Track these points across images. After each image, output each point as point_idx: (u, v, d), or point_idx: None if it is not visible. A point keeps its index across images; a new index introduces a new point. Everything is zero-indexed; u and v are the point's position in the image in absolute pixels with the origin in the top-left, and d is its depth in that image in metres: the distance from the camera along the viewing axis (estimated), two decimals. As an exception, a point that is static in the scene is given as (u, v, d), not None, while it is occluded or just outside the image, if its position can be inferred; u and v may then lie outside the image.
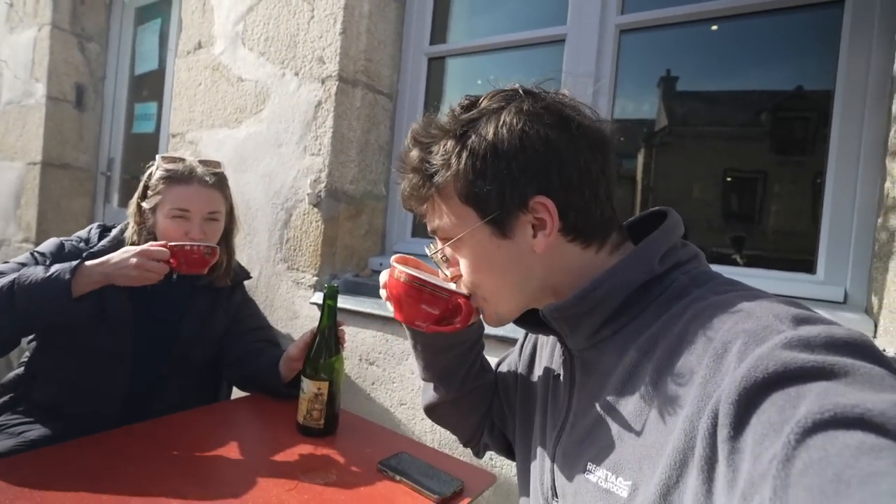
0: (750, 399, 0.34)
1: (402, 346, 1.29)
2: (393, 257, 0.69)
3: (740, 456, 0.34)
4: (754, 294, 0.45)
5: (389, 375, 1.31)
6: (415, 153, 0.56)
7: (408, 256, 0.71)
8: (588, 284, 0.51)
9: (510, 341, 1.11)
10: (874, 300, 0.90)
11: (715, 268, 0.56)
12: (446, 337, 0.69)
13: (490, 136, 0.50)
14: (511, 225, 0.52)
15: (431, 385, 0.77)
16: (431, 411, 0.80)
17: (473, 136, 0.51)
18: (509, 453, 0.79)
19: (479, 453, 0.85)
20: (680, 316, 0.46)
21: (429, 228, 0.59)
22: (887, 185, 0.89)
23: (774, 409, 0.33)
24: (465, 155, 0.51)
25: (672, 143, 1.30)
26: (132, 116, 2.57)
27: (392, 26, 1.56)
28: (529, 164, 0.50)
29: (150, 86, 2.49)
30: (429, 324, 0.61)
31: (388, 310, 1.32)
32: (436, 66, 1.62)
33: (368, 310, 1.33)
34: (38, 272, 0.96)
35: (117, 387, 1.12)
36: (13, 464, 0.84)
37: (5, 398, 1.11)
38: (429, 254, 0.61)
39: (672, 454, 0.40)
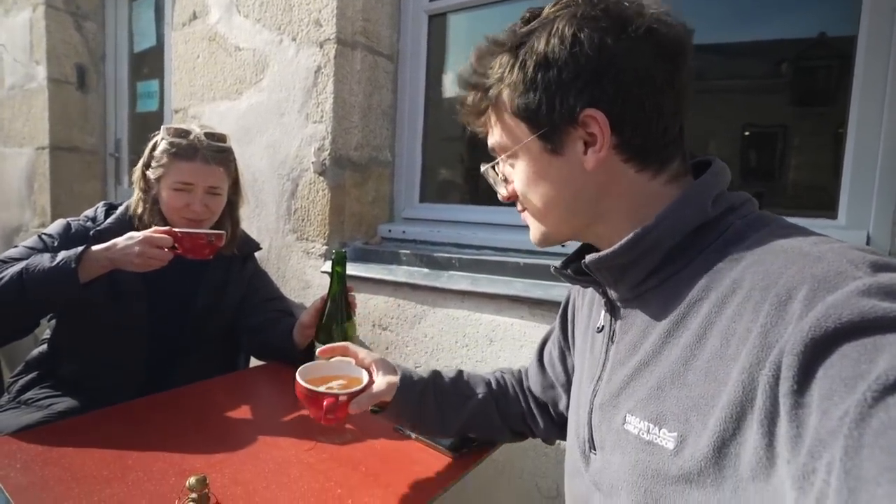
0: (818, 351, 0.32)
1: (414, 310, 1.29)
2: (320, 360, 0.81)
3: (805, 411, 0.31)
4: (823, 238, 0.41)
5: (403, 339, 1.32)
6: (472, 67, 0.55)
7: (335, 345, 0.81)
8: (633, 234, 0.48)
9: (521, 300, 1.10)
10: (900, 242, 0.87)
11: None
12: (389, 415, 0.76)
13: (541, 46, 0.48)
14: (562, 140, 0.50)
15: None
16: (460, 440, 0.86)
17: (526, 48, 0.49)
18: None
19: (550, 442, 0.87)
20: (736, 262, 0.43)
21: (488, 145, 0.59)
22: (916, 119, 0.84)
23: (847, 362, 0.30)
24: (517, 67, 0.50)
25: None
26: (135, 95, 2.55)
27: (389, -17, 1.50)
28: (580, 73, 0.47)
29: (150, 63, 2.45)
30: (324, 417, 0.70)
31: (398, 276, 1.32)
32: (437, 24, 1.56)
33: (379, 276, 1.33)
34: (44, 261, 0.96)
35: (136, 360, 1.15)
36: (41, 433, 0.87)
37: (32, 375, 1.15)
38: (483, 169, 0.61)
39: (728, 406, 0.38)
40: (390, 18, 1.51)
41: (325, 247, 1.44)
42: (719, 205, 0.48)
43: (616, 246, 0.49)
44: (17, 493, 0.70)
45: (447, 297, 1.23)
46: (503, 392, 0.84)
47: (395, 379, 0.75)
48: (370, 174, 1.52)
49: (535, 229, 0.58)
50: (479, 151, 1.54)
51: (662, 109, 0.48)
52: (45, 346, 1.17)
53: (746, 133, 1.15)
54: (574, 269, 0.57)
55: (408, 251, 1.36)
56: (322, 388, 0.74)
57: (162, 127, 1.17)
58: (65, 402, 1.07)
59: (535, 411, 0.81)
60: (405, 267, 1.34)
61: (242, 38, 1.62)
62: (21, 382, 1.14)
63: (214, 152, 1.15)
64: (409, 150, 1.57)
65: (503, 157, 0.56)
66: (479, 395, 0.81)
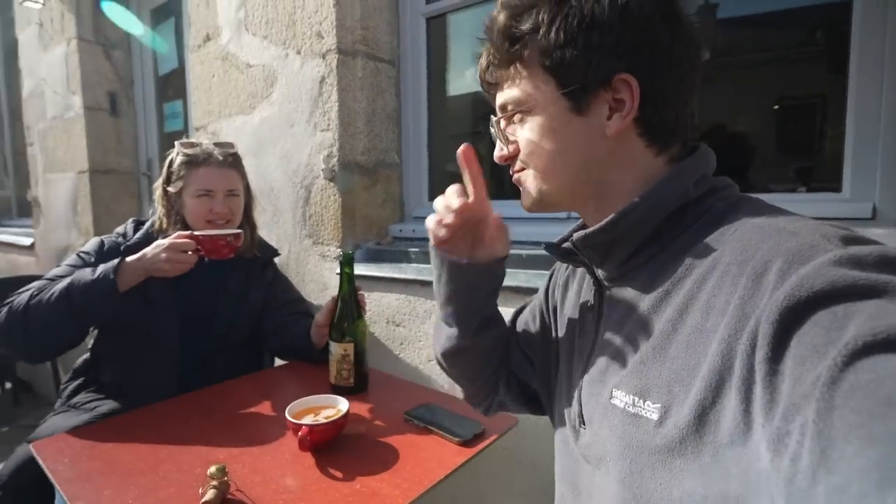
0: (792, 319, 0.33)
1: (424, 306, 1.33)
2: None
3: (779, 378, 0.33)
4: (798, 217, 0.43)
5: (415, 334, 1.36)
6: (502, 17, 0.53)
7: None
8: (618, 213, 0.50)
9: (523, 291, 1.13)
10: (903, 212, 0.85)
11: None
12: (476, 272, 0.65)
13: (589, 5, 0.48)
14: (588, 101, 0.50)
15: (447, 327, 0.71)
16: (448, 357, 0.73)
17: (573, 2, 0.49)
18: (529, 406, 0.77)
19: (489, 411, 0.79)
20: (717, 241, 0.45)
21: (497, 102, 0.57)
22: (912, 85, 0.82)
23: (819, 329, 0.31)
24: (558, 21, 0.49)
25: (717, 77, 1.18)
26: (162, 116, 2.70)
27: (386, -10, 1.54)
28: (623, 38, 0.48)
29: (174, 84, 2.59)
30: (298, 443, 0.84)
31: (408, 274, 1.36)
32: (436, 26, 1.59)
33: (391, 275, 1.38)
34: (86, 275, 1.07)
35: (169, 364, 1.24)
36: (86, 432, 0.96)
37: (79, 381, 1.26)
38: (492, 121, 0.58)
39: (708, 375, 0.39)
40: (389, 24, 1.55)
41: (339, 249, 1.50)
42: (702, 185, 0.50)
43: (603, 222, 0.51)
44: (65, 483, 0.78)
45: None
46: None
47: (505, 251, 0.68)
48: (378, 177, 1.57)
49: (534, 189, 0.56)
50: (484, 147, 1.57)
51: (679, 95, 0.51)
52: (87, 354, 1.28)
53: (783, 105, 1.11)
54: (565, 250, 0.58)
55: (417, 249, 1.40)
56: (306, 420, 0.88)
57: (175, 143, 1.26)
58: (108, 405, 1.17)
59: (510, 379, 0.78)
60: (415, 265, 1.38)
61: (252, 56, 1.70)
62: (70, 388, 1.25)
63: (226, 156, 1.26)
64: (415, 150, 1.62)
65: (517, 112, 0.55)
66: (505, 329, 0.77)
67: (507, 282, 1.13)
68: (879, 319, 0.29)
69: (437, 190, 1.62)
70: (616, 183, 0.53)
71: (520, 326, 0.78)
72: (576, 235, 0.54)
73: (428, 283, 1.32)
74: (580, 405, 0.56)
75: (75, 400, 1.21)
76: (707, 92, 1.16)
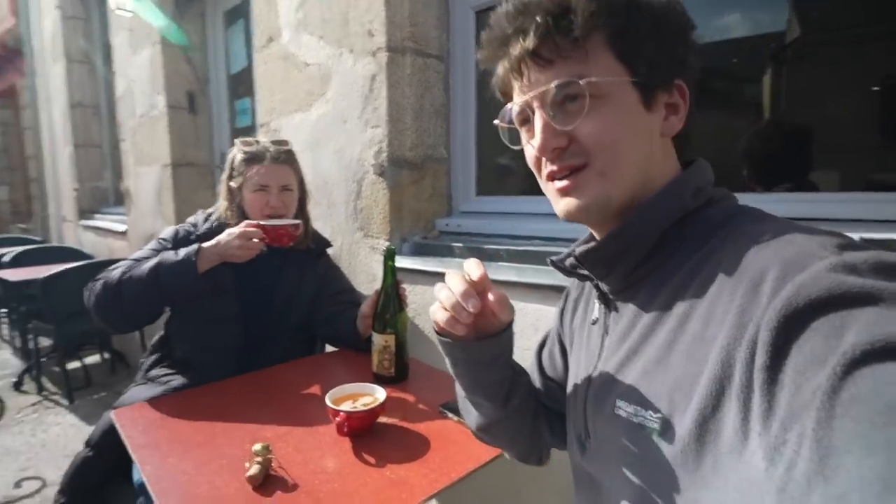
0: (790, 327, 0.33)
1: (466, 300, 1.35)
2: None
3: (777, 387, 0.33)
4: (795, 226, 0.43)
5: (457, 328, 1.38)
6: None
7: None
8: (617, 226, 0.51)
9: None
10: None
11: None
12: (489, 348, 0.61)
13: (661, 6, 0.49)
14: (654, 98, 0.50)
15: (475, 406, 0.69)
16: (485, 431, 0.72)
17: (643, 1, 0.49)
18: None
19: (541, 460, 0.76)
20: (716, 250, 0.45)
21: (554, 82, 0.49)
22: None
23: (818, 338, 0.31)
24: (634, 10, 0.48)
25: (809, 57, 1.06)
26: (234, 113, 2.89)
27: (436, -15, 1.55)
28: (684, 45, 0.51)
29: (243, 83, 2.76)
30: (336, 428, 0.93)
31: (453, 268, 1.38)
32: (486, 19, 1.57)
33: (434, 268, 1.41)
34: (171, 256, 1.21)
35: (231, 344, 1.35)
36: (157, 403, 1.07)
37: (155, 356, 1.40)
38: (546, 97, 0.50)
39: (708, 384, 0.39)
40: (438, 20, 1.56)
41: (387, 242, 1.55)
42: (699, 197, 0.50)
43: (604, 237, 0.52)
44: (137, 449, 0.89)
45: (496, 287, 1.27)
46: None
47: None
48: (426, 171, 1.60)
49: (597, 191, 0.50)
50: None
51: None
52: (162, 332, 1.43)
53: (888, 88, 0.96)
54: (570, 264, 0.58)
55: (461, 244, 1.42)
56: (344, 406, 0.92)
57: (235, 141, 1.36)
58: (178, 380, 1.30)
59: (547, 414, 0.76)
60: (458, 259, 1.40)
61: (309, 55, 1.77)
62: (148, 362, 1.40)
63: (280, 153, 1.35)
64: (463, 145, 1.62)
65: (583, 96, 0.48)
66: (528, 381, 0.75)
67: (548, 280, 1.14)
68: (877, 327, 0.29)
69: (484, 185, 1.62)
70: (650, 181, 0.52)
71: (545, 359, 0.76)
72: (579, 250, 0.54)
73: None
74: (585, 417, 0.57)
75: (152, 374, 1.35)
76: (799, 72, 1.06)
